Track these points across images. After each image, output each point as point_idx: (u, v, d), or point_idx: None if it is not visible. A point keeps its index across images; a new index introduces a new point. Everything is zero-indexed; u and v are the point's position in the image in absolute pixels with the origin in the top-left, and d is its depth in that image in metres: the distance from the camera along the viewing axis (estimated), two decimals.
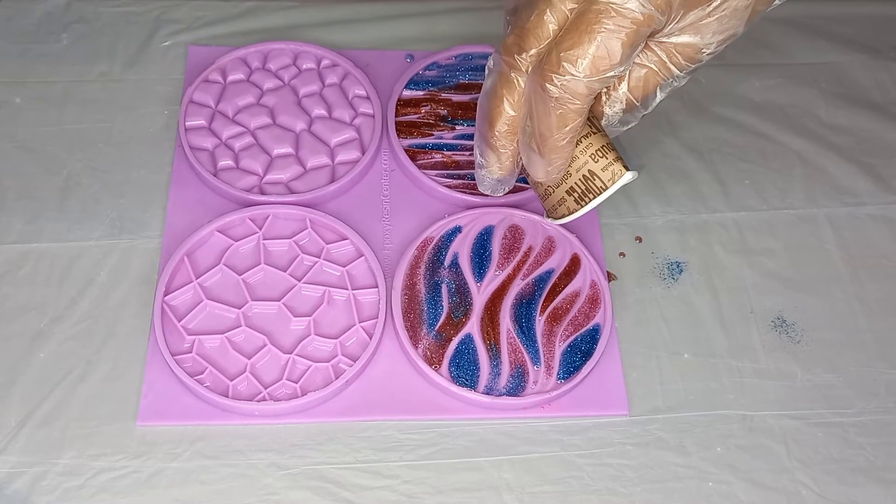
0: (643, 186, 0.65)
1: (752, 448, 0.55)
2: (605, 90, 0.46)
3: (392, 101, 0.65)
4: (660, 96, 0.46)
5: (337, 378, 0.54)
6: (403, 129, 0.64)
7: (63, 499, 0.51)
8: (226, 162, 0.62)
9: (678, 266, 0.62)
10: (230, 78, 0.65)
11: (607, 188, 0.46)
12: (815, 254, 0.63)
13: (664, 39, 0.43)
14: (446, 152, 0.64)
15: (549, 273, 0.59)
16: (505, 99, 0.45)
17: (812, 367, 0.58)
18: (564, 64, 0.41)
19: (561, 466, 0.54)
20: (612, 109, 0.46)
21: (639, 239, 0.63)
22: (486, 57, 0.68)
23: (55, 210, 0.60)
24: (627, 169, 0.46)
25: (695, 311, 0.60)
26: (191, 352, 0.55)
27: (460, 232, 0.60)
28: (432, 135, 0.64)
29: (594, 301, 0.59)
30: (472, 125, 0.64)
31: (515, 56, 0.43)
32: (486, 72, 0.46)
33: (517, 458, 0.54)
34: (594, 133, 0.46)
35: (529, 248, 0.60)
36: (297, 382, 0.54)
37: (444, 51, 0.68)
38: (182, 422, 0.53)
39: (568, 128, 0.43)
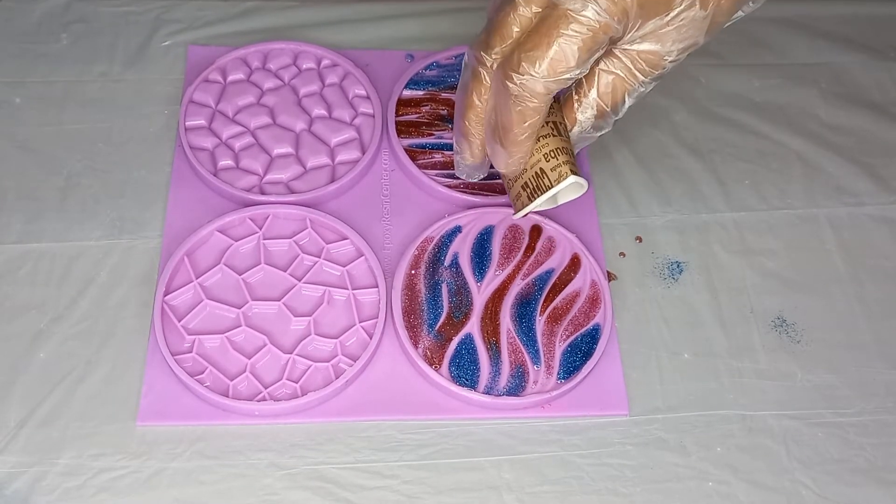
0: (643, 186, 0.65)
1: (751, 448, 0.55)
2: (576, 97, 0.49)
3: (392, 100, 0.65)
4: (628, 102, 0.48)
5: (337, 378, 0.54)
6: (403, 128, 0.64)
7: (63, 499, 0.51)
8: (226, 162, 0.62)
9: (678, 266, 0.62)
10: (230, 78, 0.65)
11: (553, 186, 0.49)
12: (815, 254, 0.63)
13: (627, 47, 0.46)
14: (446, 152, 0.64)
15: (549, 273, 0.59)
16: (473, 92, 0.48)
17: (812, 367, 0.58)
18: (524, 64, 0.44)
19: (561, 466, 0.54)
20: (584, 115, 0.49)
21: (639, 239, 0.63)
22: None
23: (55, 210, 0.60)
24: (575, 174, 0.49)
25: (695, 311, 0.60)
26: (191, 352, 0.55)
27: (460, 232, 0.60)
28: (432, 134, 0.64)
29: (594, 301, 0.59)
30: None
31: (482, 53, 0.47)
32: (463, 66, 0.49)
33: (517, 458, 0.54)
34: (554, 136, 0.49)
35: (529, 248, 0.60)
36: (297, 382, 0.54)
37: (444, 50, 0.68)
38: (182, 422, 0.53)
39: (527, 123, 0.46)
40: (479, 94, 0.48)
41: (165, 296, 0.56)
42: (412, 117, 0.65)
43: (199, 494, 0.51)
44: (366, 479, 0.53)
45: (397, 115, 0.65)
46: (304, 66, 0.66)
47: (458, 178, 0.62)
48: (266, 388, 0.54)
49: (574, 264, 0.60)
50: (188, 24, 0.69)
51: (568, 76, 0.44)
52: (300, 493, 0.52)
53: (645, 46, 0.45)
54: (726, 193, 0.65)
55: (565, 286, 0.59)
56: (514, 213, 0.52)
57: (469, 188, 0.62)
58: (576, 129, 0.49)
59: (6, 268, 0.58)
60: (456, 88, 0.66)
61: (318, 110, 0.64)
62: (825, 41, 0.73)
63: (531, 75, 0.44)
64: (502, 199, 0.61)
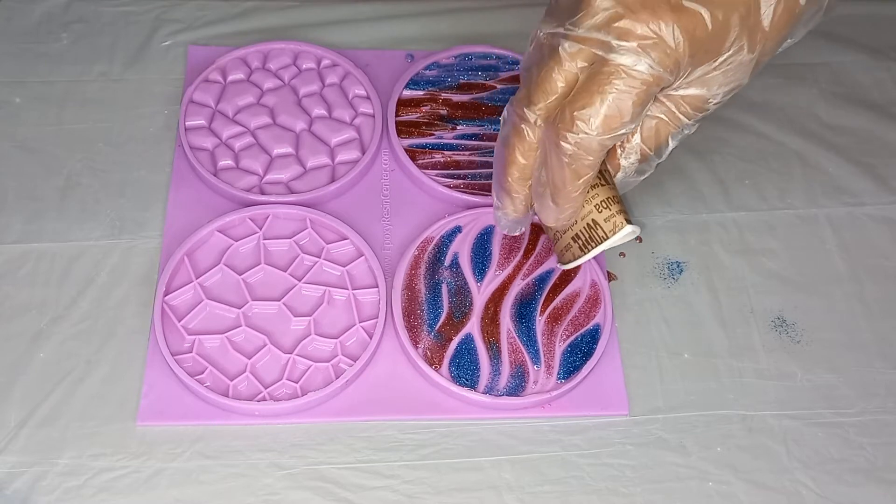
0: (643, 186, 0.64)
1: (752, 448, 0.55)
2: (619, 144, 0.48)
3: (392, 100, 0.65)
4: (672, 144, 0.48)
5: (337, 378, 0.54)
6: (403, 128, 0.64)
7: (63, 499, 0.51)
8: (226, 162, 0.62)
9: (678, 266, 0.62)
10: (230, 78, 0.65)
11: (608, 238, 0.48)
12: (815, 254, 0.63)
13: (672, 92, 0.45)
14: (446, 152, 0.64)
15: (549, 273, 0.59)
16: (516, 148, 0.47)
17: (812, 367, 0.58)
18: (578, 123, 0.43)
19: (561, 466, 0.54)
20: (627, 161, 0.48)
21: (639, 239, 0.63)
22: (486, 57, 0.68)
23: (55, 210, 0.60)
24: (629, 223, 0.48)
25: (695, 311, 0.60)
26: (191, 352, 0.55)
27: (460, 232, 0.60)
28: (432, 134, 0.64)
29: (594, 301, 0.59)
30: (472, 125, 0.65)
31: (525, 109, 0.46)
32: (501, 121, 0.48)
33: (517, 458, 0.54)
34: (602, 185, 0.48)
35: (530, 248, 0.60)
36: (297, 382, 0.54)
37: (445, 51, 0.68)
38: (182, 422, 0.53)
39: (581, 181, 0.46)
40: (521, 151, 0.47)
41: (165, 296, 0.56)
42: (412, 117, 0.65)
43: (199, 494, 0.51)
44: (366, 479, 0.53)
45: (397, 115, 0.65)
46: (304, 67, 0.66)
47: (458, 179, 0.63)
48: (266, 388, 0.54)
49: None
50: (188, 24, 0.69)
51: (622, 131, 0.43)
52: (300, 492, 0.52)
53: (691, 91, 0.45)
54: (726, 193, 0.65)
55: (565, 286, 0.59)
56: (562, 264, 0.51)
57: (469, 188, 0.62)
58: (619, 175, 0.49)
59: (6, 268, 0.58)
60: (456, 88, 0.67)
61: (318, 110, 0.64)
62: (825, 41, 0.73)
63: (586, 133, 0.43)
64: None
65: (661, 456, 0.55)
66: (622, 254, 0.62)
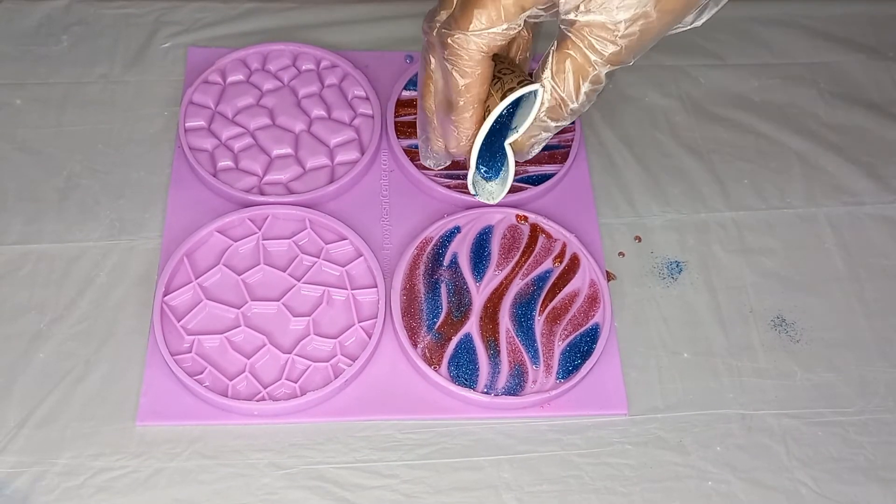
0: (642, 186, 0.65)
1: (751, 447, 0.55)
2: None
3: (391, 101, 0.65)
4: (584, 87, 0.45)
5: (336, 378, 0.54)
6: (403, 129, 0.65)
7: (62, 498, 0.51)
8: (225, 163, 0.62)
9: (677, 266, 0.62)
10: (230, 79, 0.65)
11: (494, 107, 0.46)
12: (815, 253, 0.63)
13: (574, 18, 0.43)
14: None
15: (548, 272, 0.59)
16: (425, 67, 0.47)
17: (811, 366, 0.58)
18: (453, 24, 0.43)
19: (560, 466, 0.54)
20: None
21: (638, 239, 0.63)
22: None
23: (55, 211, 0.60)
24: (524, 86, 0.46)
25: (694, 311, 0.60)
26: (190, 352, 0.55)
27: (459, 232, 0.60)
28: None
29: (593, 300, 0.59)
30: None
31: (426, 24, 0.46)
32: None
33: (516, 458, 0.54)
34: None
35: (529, 248, 0.60)
36: (296, 382, 0.55)
37: None
38: (181, 422, 0.54)
39: (465, 86, 0.45)
40: (429, 67, 0.47)
41: (165, 296, 0.56)
42: (412, 118, 0.65)
43: (198, 494, 0.52)
44: (365, 479, 0.53)
45: (396, 115, 0.65)
46: (304, 68, 0.67)
47: (457, 179, 0.63)
48: (265, 387, 0.54)
49: (573, 264, 0.60)
50: (188, 25, 0.69)
51: (495, 30, 0.43)
52: (299, 492, 0.52)
53: (591, 17, 0.43)
54: (725, 193, 0.65)
55: (564, 286, 0.59)
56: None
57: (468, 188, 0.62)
58: (530, 117, 0.47)
59: (6, 269, 0.58)
60: None
61: (318, 111, 0.64)
62: (824, 41, 0.73)
63: (461, 33, 0.43)
64: (502, 199, 0.61)
65: (660, 455, 0.55)
66: (621, 253, 0.62)
